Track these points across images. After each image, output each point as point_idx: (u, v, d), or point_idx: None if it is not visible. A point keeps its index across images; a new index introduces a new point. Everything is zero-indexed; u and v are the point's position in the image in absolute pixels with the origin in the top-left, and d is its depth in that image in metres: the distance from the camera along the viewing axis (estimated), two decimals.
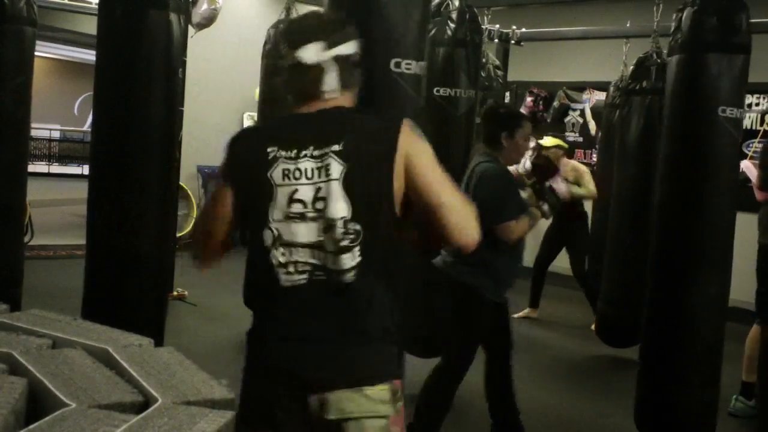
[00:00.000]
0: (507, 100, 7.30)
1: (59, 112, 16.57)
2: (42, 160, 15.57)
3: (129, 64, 3.17)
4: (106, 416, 0.87)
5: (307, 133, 1.75)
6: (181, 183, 6.56)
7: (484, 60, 5.57)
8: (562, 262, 6.28)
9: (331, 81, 1.76)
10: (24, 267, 4.23)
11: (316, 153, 1.71)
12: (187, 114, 6.42)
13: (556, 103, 8.60)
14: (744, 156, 6.57)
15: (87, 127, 15.80)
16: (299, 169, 1.71)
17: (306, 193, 1.70)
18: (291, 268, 1.72)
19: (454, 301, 3.35)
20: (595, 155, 7.51)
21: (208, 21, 6.21)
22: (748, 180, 4.39)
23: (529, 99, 8.69)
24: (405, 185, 1.73)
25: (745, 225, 3.80)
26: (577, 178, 5.88)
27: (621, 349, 5.20)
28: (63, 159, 16.42)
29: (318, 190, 1.70)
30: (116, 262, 3.22)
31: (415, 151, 1.74)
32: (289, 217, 1.71)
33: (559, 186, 5.06)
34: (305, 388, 1.65)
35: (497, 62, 5.92)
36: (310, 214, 1.70)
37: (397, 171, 1.72)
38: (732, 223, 3.16)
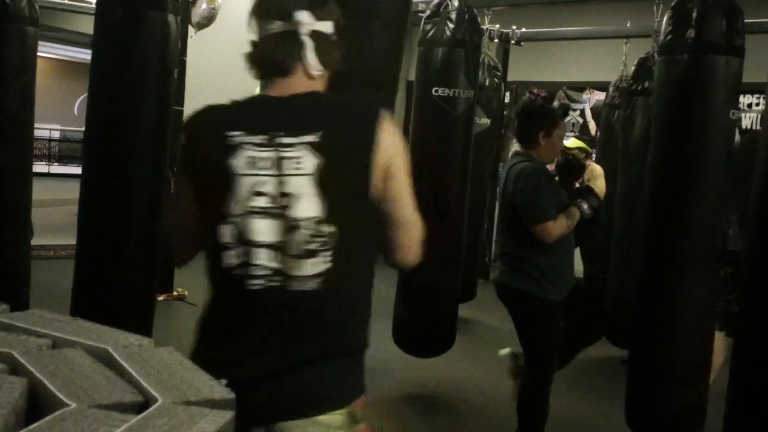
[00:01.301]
0: (507, 100, 7.30)
1: (59, 112, 16.57)
2: (42, 160, 15.58)
3: (124, 65, 3.17)
4: (106, 416, 0.87)
5: (277, 118, 1.54)
6: None
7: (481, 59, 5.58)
8: None
9: (309, 56, 1.58)
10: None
11: (287, 141, 1.50)
12: (186, 113, 6.41)
13: (556, 103, 8.60)
14: None
15: None
16: (266, 158, 1.50)
17: (271, 185, 1.49)
18: (247, 271, 1.51)
19: (515, 309, 3.33)
20: (595, 155, 7.52)
21: (208, 21, 6.22)
22: None
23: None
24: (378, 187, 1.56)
25: None
26: (590, 179, 5.88)
27: (623, 349, 5.19)
28: (63, 159, 16.44)
29: (284, 183, 1.49)
30: (107, 263, 3.22)
31: (395, 150, 1.57)
32: (251, 212, 1.50)
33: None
34: (252, 417, 1.44)
35: (495, 62, 5.92)
36: (274, 211, 1.49)
37: (377, 169, 1.54)
38: (721, 224, 3.15)
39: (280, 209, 1.49)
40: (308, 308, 1.52)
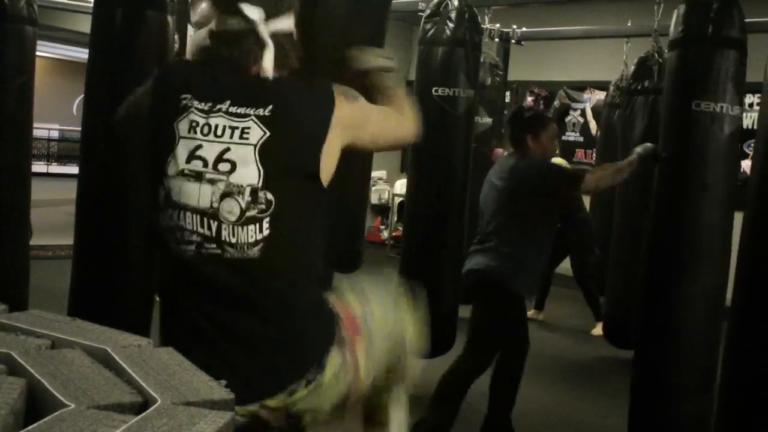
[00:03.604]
0: (507, 99, 7.30)
1: (58, 112, 16.56)
2: (41, 160, 15.58)
3: (122, 64, 3.16)
4: (105, 417, 0.87)
5: (227, 87, 1.54)
6: None
7: (482, 59, 5.57)
8: (565, 263, 6.28)
9: (267, 59, 1.54)
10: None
11: (233, 110, 1.51)
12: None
13: (556, 103, 8.60)
14: (745, 156, 6.58)
15: None
16: (209, 125, 1.51)
17: (210, 150, 1.50)
18: (177, 235, 1.51)
19: (492, 299, 3.39)
20: (595, 155, 7.51)
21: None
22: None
23: (529, 98, 8.70)
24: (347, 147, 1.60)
25: None
26: None
27: (622, 350, 5.19)
28: (62, 159, 16.44)
29: (226, 150, 1.49)
30: (105, 263, 3.22)
31: (356, 121, 1.62)
32: (184, 174, 1.50)
33: None
34: None
35: (496, 60, 5.91)
36: (209, 175, 1.49)
37: (329, 148, 1.56)
38: (730, 224, 3.13)
39: (216, 174, 1.49)
40: (247, 275, 1.50)
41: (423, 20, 4.16)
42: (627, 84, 5.10)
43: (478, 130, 5.00)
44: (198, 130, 1.51)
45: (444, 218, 4.06)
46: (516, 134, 3.48)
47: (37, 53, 4.37)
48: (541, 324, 6.14)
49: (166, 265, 1.60)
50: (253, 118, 1.50)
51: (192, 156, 1.50)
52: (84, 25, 8.00)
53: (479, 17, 4.32)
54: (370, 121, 1.67)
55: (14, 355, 0.98)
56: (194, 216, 1.49)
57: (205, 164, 1.49)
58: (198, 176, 1.49)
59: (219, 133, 1.50)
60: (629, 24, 5.74)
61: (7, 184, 4.01)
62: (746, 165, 4.64)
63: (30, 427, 0.81)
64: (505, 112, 6.82)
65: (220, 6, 1.63)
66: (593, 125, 8.21)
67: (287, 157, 1.52)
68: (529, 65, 7.89)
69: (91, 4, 3.31)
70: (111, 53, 3.21)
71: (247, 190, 1.48)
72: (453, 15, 4.05)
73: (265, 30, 1.54)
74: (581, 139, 8.45)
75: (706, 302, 3.07)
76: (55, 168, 16.08)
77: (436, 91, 4.03)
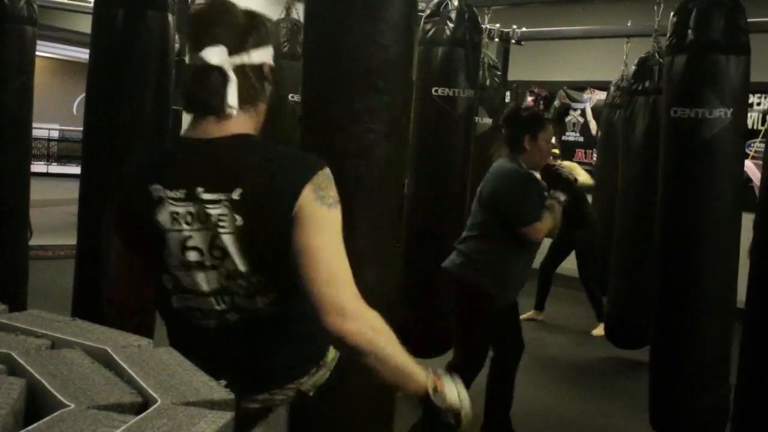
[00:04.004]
0: (507, 99, 7.29)
1: (58, 112, 16.55)
2: (41, 160, 15.56)
3: (123, 64, 3.17)
4: (104, 417, 0.86)
5: (197, 171, 1.50)
6: None
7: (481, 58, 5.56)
8: (566, 263, 6.28)
9: (230, 95, 1.49)
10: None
11: (207, 197, 1.47)
12: (185, 113, 6.40)
13: (556, 103, 8.59)
14: (745, 156, 6.58)
15: None
16: (190, 213, 1.49)
17: (200, 240, 1.49)
18: (198, 314, 1.57)
19: (463, 302, 3.37)
20: (595, 155, 7.51)
21: None
22: (749, 180, 4.39)
23: (529, 98, 8.69)
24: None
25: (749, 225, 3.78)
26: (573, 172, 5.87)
27: (623, 350, 5.19)
28: (62, 159, 16.43)
29: (214, 237, 1.48)
30: (107, 263, 3.22)
31: (310, 217, 1.45)
32: (186, 266, 1.52)
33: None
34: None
35: (494, 61, 5.90)
36: (208, 263, 1.51)
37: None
38: (737, 222, 3.15)
39: (213, 261, 1.51)
40: (266, 327, 1.58)
41: (423, 20, 4.16)
42: (627, 84, 5.10)
43: (479, 130, 4.99)
44: (181, 220, 1.50)
45: (444, 218, 4.06)
46: (513, 134, 3.35)
47: (37, 53, 4.37)
48: (542, 324, 6.14)
49: (185, 334, 1.62)
50: (226, 203, 1.46)
51: (185, 248, 1.51)
52: (84, 25, 8.00)
53: (479, 17, 4.32)
54: (318, 231, 1.47)
55: (14, 355, 0.98)
56: (208, 298, 1.54)
57: (201, 253, 1.51)
58: (200, 265, 1.51)
59: (202, 219, 1.48)
60: (629, 24, 5.73)
61: (7, 184, 4.02)
62: (745, 165, 4.64)
63: (30, 427, 0.81)
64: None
65: (188, 42, 1.55)
66: (593, 125, 8.20)
67: (262, 241, 1.48)
68: (529, 65, 7.88)
69: (91, 4, 3.32)
70: (111, 53, 3.21)
71: (244, 272, 1.50)
72: (453, 15, 4.05)
73: (229, 64, 1.49)
74: (581, 139, 8.44)
75: (716, 297, 3.10)
76: (55, 168, 16.07)
77: (436, 91, 4.02)
